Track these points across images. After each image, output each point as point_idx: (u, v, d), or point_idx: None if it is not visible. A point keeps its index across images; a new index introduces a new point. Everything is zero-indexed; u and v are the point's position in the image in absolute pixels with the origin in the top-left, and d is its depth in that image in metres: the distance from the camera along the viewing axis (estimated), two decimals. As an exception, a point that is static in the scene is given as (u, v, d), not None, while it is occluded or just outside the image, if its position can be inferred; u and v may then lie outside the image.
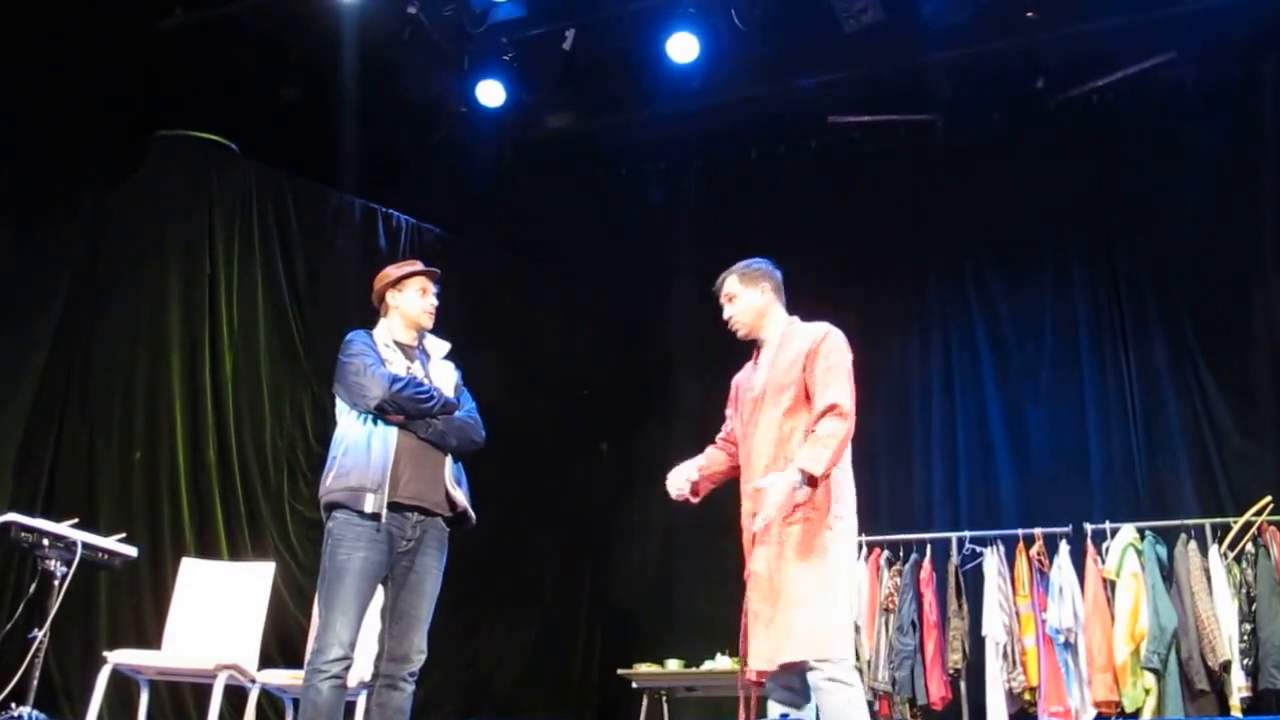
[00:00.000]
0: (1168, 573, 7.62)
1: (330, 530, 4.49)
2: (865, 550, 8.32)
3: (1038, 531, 8.07)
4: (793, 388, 4.33)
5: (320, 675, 4.28)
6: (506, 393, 8.44)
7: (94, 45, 7.78)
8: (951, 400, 9.55)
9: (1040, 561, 7.97)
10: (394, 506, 4.47)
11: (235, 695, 6.03)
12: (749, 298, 4.57)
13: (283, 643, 7.24)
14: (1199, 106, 9.01)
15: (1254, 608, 7.31)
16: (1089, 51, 8.96)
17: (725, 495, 10.06)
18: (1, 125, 7.22)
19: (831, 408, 4.18)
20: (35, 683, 5.07)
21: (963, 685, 7.99)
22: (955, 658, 7.95)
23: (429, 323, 4.91)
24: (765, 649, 4.20)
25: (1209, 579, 7.48)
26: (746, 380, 4.60)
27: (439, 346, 4.99)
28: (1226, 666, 7.26)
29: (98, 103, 7.91)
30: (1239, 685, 7.21)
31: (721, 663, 8.14)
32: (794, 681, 4.22)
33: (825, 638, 4.06)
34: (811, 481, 4.12)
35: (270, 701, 7.20)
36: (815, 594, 4.12)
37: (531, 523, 9.53)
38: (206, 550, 7.48)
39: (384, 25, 8.38)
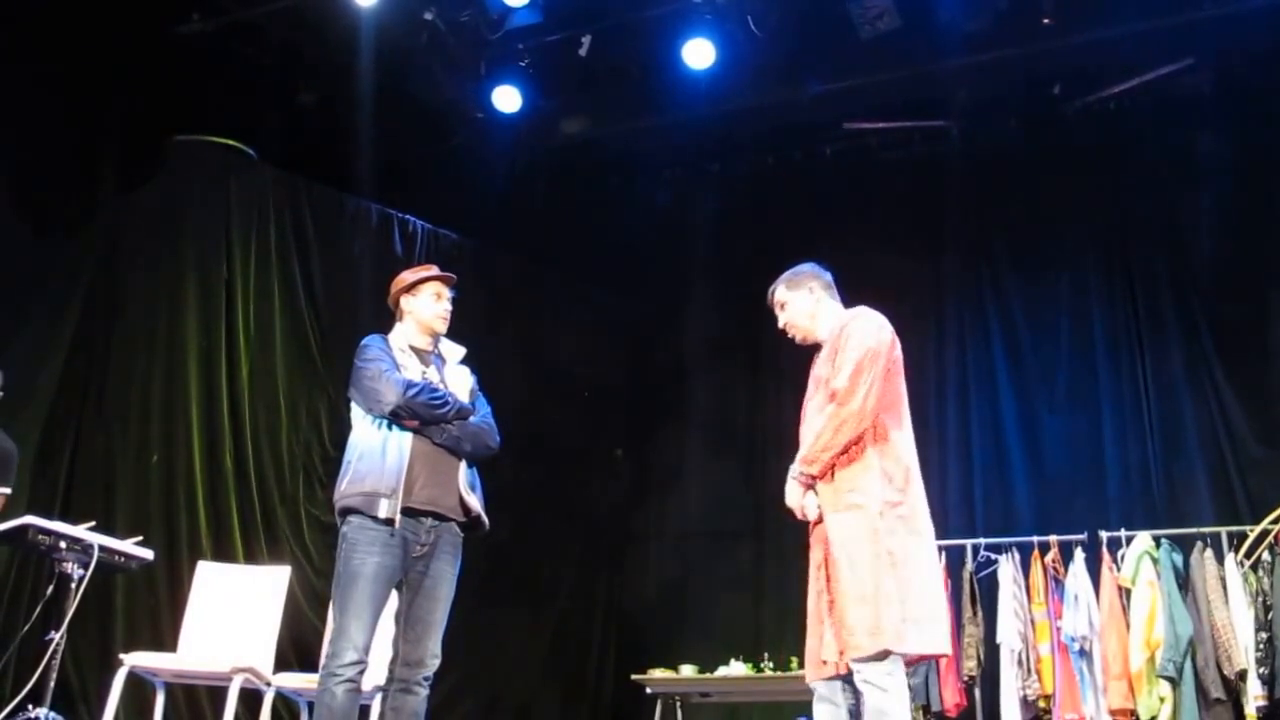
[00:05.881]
0: (1183, 581, 7.59)
1: (345, 535, 4.50)
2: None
3: (1053, 539, 8.05)
4: (826, 381, 4.31)
5: (335, 679, 4.29)
6: (522, 398, 8.45)
7: (111, 50, 7.80)
8: (967, 406, 9.54)
9: (1055, 569, 7.95)
10: (408, 512, 4.48)
11: (250, 698, 6.06)
12: (798, 302, 4.55)
13: (298, 646, 7.24)
14: (1216, 113, 9.00)
15: (1270, 616, 7.27)
16: (1106, 58, 8.95)
17: (738, 500, 10.07)
18: (19, 130, 7.25)
19: (832, 396, 4.18)
20: (52, 684, 5.09)
21: (977, 692, 7.97)
22: (970, 665, 7.93)
23: (443, 328, 4.92)
24: (814, 650, 4.11)
25: (1225, 587, 7.44)
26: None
27: (454, 351, 5.00)
28: (1242, 675, 7.22)
29: (115, 107, 7.94)
30: (1255, 694, 7.17)
31: (736, 668, 8.12)
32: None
33: (867, 637, 3.89)
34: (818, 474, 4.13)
35: (285, 705, 7.22)
36: (863, 589, 3.94)
37: (546, 527, 9.55)
38: (222, 553, 7.50)
39: (401, 31, 8.40)
